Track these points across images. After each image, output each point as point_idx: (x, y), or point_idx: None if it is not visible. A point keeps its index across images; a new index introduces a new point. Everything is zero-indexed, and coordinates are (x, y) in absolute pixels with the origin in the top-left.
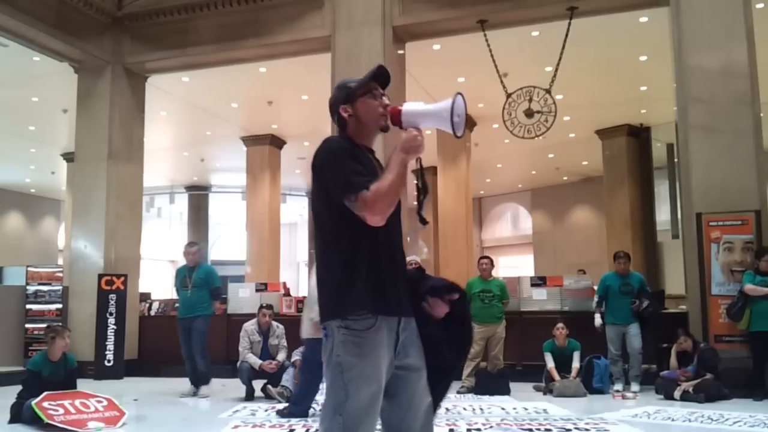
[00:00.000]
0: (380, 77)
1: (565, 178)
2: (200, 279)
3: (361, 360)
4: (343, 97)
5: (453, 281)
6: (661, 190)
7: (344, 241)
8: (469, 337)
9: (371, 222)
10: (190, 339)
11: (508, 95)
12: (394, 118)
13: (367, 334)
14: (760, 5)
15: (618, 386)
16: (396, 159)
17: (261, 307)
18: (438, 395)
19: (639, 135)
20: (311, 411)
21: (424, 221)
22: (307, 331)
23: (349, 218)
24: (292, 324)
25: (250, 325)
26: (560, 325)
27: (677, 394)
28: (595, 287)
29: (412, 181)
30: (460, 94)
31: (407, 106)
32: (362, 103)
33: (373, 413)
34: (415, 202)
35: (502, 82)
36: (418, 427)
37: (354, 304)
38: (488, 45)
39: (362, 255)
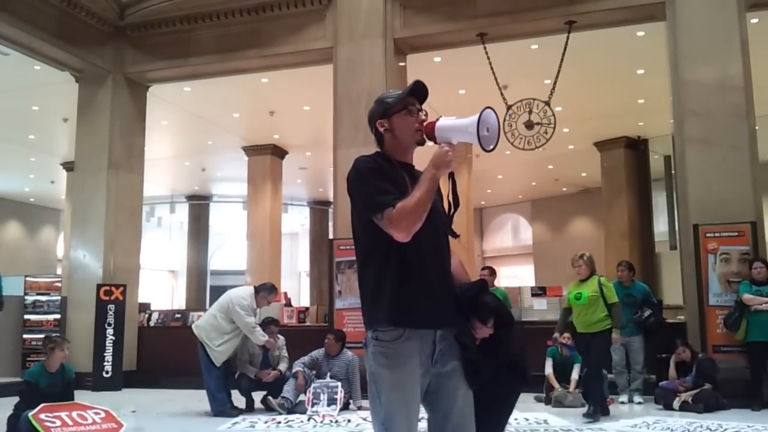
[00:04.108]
0: (418, 92)
1: (565, 189)
2: None
3: (390, 370)
4: (380, 112)
5: (500, 307)
6: (659, 201)
7: (375, 257)
8: (513, 365)
9: (398, 238)
10: None
11: (509, 107)
12: (428, 134)
13: (396, 344)
14: (754, 20)
15: (623, 398)
16: (426, 175)
17: (268, 323)
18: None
19: (636, 147)
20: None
21: (454, 234)
22: (219, 360)
23: (379, 235)
24: (293, 334)
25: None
26: (567, 335)
27: (676, 404)
28: None
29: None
30: (490, 107)
31: (441, 122)
32: (398, 118)
33: (406, 421)
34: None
35: (502, 94)
36: None
37: (381, 317)
38: (488, 58)
39: (391, 269)
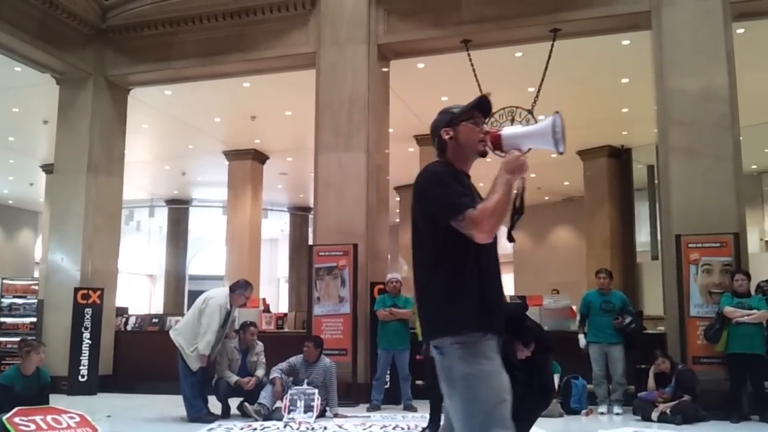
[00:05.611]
0: (482, 108)
1: (547, 198)
2: None
3: (482, 367)
4: (446, 121)
5: (541, 333)
6: (641, 211)
7: (449, 263)
8: (541, 386)
9: (479, 240)
10: None
11: (491, 115)
12: (494, 143)
13: (481, 343)
14: (740, 30)
15: (602, 408)
16: (501, 180)
17: (248, 325)
18: None
19: (620, 156)
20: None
21: (512, 239)
22: (195, 365)
23: (454, 240)
24: (271, 340)
25: (230, 343)
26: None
27: (655, 415)
28: (575, 307)
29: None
30: (558, 112)
31: (507, 130)
32: (464, 127)
33: (507, 412)
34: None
35: None
36: None
37: (464, 322)
38: (472, 65)
39: (467, 275)
